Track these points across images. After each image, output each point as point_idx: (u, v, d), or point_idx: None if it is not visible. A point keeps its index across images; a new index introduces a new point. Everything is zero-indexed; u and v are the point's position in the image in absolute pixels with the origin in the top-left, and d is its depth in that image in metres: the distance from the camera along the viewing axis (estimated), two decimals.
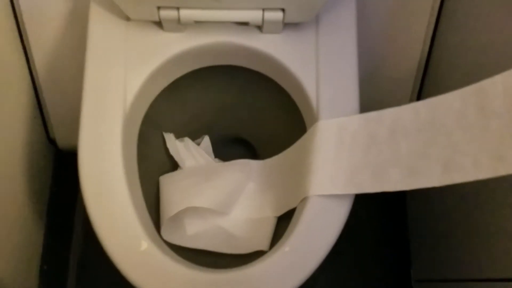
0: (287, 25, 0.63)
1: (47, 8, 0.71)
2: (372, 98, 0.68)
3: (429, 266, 0.80)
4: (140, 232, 0.56)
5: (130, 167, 0.60)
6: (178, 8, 0.59)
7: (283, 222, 0.65)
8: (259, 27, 0.63)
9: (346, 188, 0.55)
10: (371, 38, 0.75)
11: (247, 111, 0.79)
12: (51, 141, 0.89)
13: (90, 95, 0.60)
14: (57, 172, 0.91)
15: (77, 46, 0.74)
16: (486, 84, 0.48)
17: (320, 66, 0.62)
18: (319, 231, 0.55)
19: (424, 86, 0.81)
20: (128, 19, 0.63)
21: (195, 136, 0.79)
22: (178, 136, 0.77)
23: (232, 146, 0.85)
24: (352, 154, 0.56)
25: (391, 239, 0.96)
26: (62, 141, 0.88)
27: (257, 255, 0.60)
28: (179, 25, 0.61)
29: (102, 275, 0.92)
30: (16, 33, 0.74)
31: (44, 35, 0.74)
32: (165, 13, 0.60)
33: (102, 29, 0.63)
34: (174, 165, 0.77)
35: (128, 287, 0.93)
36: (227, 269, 0.55)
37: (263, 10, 0.60)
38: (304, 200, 0.57)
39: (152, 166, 0.71)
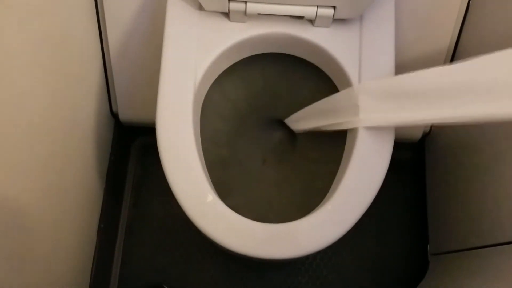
0: (335, 21, 0.73)
1: None
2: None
3: (445, 239, 0.90)
4: (207, 187, 0.66)
5: (197, 135, 0.71)
6: (246, 2, 0.70)
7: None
8: (312, 21, 0.73)
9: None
10: (405, 33, 0.85)
11: (287, 95, 0.89)
12: (113, 114, 1.00)
13: (167, 73, 0.71)
14: (116, 143, 1.02)
15: (150, 29, 0.86)
16: None
17: (363, 57, 0.72)
18: (361, 188, 0.65)
19: None
20: (201, 9, 0.73)
21: (241, 116, 0.90)
22: (228, 114, 0.87)
23: (273, 127, 0.95)
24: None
25: (410, 214, 1.04)
26: (123, 115, 0.99)
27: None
28: (244, 16, 0.72)
29: (145, 236, 1.04)
30: (94, 13, 0.84)
31: (120, 15, 0.85)
32: (234, 5, 0.70)
33: (178, 16, 0.73)
34: (222, 140, 0.88)
35: (166, 246, 1.05)
36: (279, 223, 0.66)
37: (317, 6, 0.70)
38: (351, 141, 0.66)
39: (206, 137, 0.82)
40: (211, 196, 0.66)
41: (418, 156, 1.05)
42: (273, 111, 0.93)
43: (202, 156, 0.72)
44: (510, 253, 0.65)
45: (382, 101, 0.66)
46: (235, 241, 0.64)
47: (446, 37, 0.86)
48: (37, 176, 0.67)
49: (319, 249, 0.65)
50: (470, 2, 0.83)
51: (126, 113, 0.99)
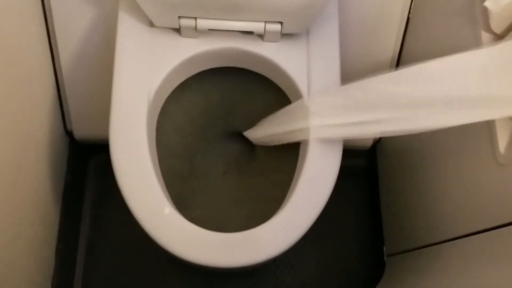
0: (284, 35, 0.76)
1: (76, 10, 0.82)
2: None
3: (398, 240, 0.94)
4: (164, 201, 0.67)
5: (152, 149, 0.72)
6: (195, 18, 0.72)
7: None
8: (261, 36, 0.76)
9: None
10: (350, 46, 0.89)
11: (245, 108, 0.92)
12: (68, 133, 1.00)
13: (119, 89, 0.72)
14: (72, 161, 1.01)
15: (101, 47, 0.86)
16: None
17: (311, 70, 0.76)
18: (313, 195, 0.68)
19: None
20: (152, 25, 0.75)
21: (199, 129, 0.91)
22: (186, 127, 0.88)
23: (232, 139, 0.97)
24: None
25: (366, 219, 1.08)
26: (78, 133, 0.99)
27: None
28: (196, 32, 0.74)
29: (107, 254, 1.03)
30: (45, 31, 0.84)
31: (71, 33, 0.85)
32: (184, 22, 0.72)
33: (129, 33, 0.75)
34: (180, 153, 0.89)
35: (129, 265, 1.04)
36: (236, 232, 0.67)
37: (265, 22, 0.73)
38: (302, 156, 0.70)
39: (163, 151, 0.83)
40: (168, 209, 0.67)
41: (371, 162, 1.09)
42: (232, 123, 0.95)
43: (159, 170, 0.73)
44: (451, 250, 0.70)
45: (331, 114, 0.69)
46: (192, 251, 0.65)
47: (389, 48, 0.91)
48: None
49: (275, 255, 0.67)
50: (410, 15, 0.88)
51: (81, 131, 0.98)
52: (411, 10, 0.87)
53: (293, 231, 0.67)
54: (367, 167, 1.10)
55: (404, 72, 0.60)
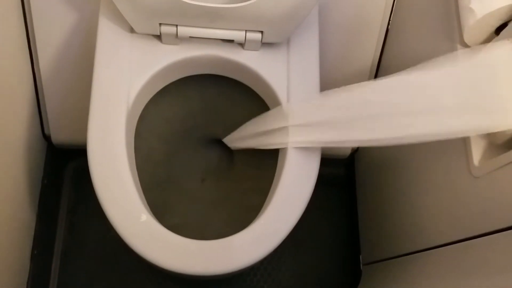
0: (264, 44, 0.77)
1: (56, 14, 0.82)
2: None
3: (375, 249, 0.95)
4: (141, 207, 0.67)
5: (130, 155, 0.71)
6: (176, 25, 0.72)
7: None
8: (242, 45, 0.76)
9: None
10: (329, 54, 0.90)
11: (225, 115, 0.92)
12: (45, 137, 0.98)
13: (98, 94, 0.71)
14: (49, 166, 1.00)
15: (81, 51, 0.86)
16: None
17: (290, 79, 0.76)
18: (291, 203, 0.68)
19: None
20: (132, 31, 0.75)
21: (179, 136, 0.91)
22: (165, 134, 0.88)
23: (211, 146, 0.97)
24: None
25: (343, 227, 1.09)
26: (56, 138, 0.98)
27: None
28: (176, 39, 0.74)
29: (83, 260, 1.02)
30: (24, 35, 0.83)
31: (51, 39, 0.84)
32: (165, 29, 0.72)
33: (110, 38, 0.74)
34: (159, 160, 0.88)
35: (104, 272, 1.03)
36: (213, 240, 0.67)
37: (246, 31, 0.74)
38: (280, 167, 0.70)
39: (141, 157, 0.82)
40: (145, 216, 0.66)
41: (349, 171, 1.10)
42: (212, 130, 0.95)
43: (137, 176, 0.72)
44: (427, 259, 0.71)
45: (308, 123, 0.70)
46: (168, 259, 0.64)
47: (369, 56, 0.92)
48: None
49: (252, 263, 0.67)
50: (389, 26, 0.90)
51: (59, 136, 0.97)
52: (390, 20, 0.88)
53: (269, 239, 0.67)
54: (345, 176, 1.11)
55: (382, 82, 0.60)
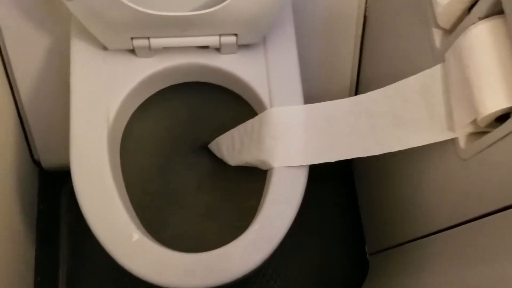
0: (241, 46, 0.75)
1: (30, 41, 0.81)
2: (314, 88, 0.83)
3: (379, 238, 0.94)
4: (131, 227, 0.66)
5: (116, 174, 0.71)
6: (148, 38, 0.71)
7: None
8: (218, 49, 0.75)
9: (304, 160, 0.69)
10: (308, 49, 0.89)
11: (211, 121, 0.90)
12: (36, 162, 0.98)
13: (77, 115, 0.71)
14: (43, 190, 1.00)
15: (58, 75, 0.85)
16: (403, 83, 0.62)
17: (271, 79, 0.75)
18: (282, 211, 0.67)
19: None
20: (105, 48, 0.74)
21: (168, 146, 0.90)
22: (153, 147, 0.87)
23: (203, 153, 0.96)
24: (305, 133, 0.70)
25: (345, 220, 1.08)
26: (46, 162, 0.97)
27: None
28: (150, 51, 0.73)
29: (90, 282, 1.01)
30: (1, 65, 0.83)
31: (27, 65, 0.84)
32: (138, 42, 0.71)
33: (83, 58, 0.73)
34: (151, 173, 0.87)
35: None
36: (207, 252, 0.66)
37: (220, 35, 0.72)
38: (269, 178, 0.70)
39: (130, 174, 0.81)
40: (136, 235, 0.65)
41: (347, 165, 1.09)
42: (202, 138, 0.94)
43: (125, 194, 0.71)
44: (431, 245, 0.69)
45: (293, 145, 0.70)
46: (165, 276, 0.64)
47: (349, 49, 0.91)
48: None
49: (251, 269, 0.66)
50: (367, 13, 0.88)
51: (48, 160, 0.97)
52: (366, 10, 0.87)
53: (264, 245, 0.66)
54: (343, 169, 1.10)
55: (364, 97, 0.66)
